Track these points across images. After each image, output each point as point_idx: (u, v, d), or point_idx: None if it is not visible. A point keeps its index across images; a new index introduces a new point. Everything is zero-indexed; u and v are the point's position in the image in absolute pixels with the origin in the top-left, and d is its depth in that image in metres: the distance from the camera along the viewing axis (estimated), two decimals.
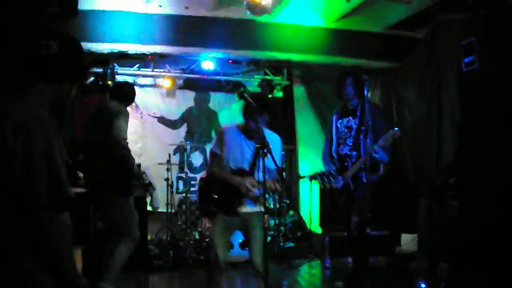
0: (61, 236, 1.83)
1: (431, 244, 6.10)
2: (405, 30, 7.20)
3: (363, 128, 4.58)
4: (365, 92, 4.51)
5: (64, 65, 2.00)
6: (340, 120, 5.23)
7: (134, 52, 6.86)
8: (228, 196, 4.09)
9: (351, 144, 5.07)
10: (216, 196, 4.19)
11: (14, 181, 1.74)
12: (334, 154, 5.26)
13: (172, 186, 6.91)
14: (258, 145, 3.64)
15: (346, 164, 5.07)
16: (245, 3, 5.60)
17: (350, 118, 5.14)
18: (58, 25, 5.59)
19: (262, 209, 3.89)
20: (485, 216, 4.16)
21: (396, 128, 4.63)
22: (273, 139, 4.03)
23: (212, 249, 4.15)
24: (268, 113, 3.98)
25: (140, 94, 8.37)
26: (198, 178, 8.29)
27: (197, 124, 8.59)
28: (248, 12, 5.73)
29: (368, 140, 4.26)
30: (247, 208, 4.08)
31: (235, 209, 4.05)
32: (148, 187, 7.03)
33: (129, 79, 8.22)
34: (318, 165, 7.41)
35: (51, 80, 1.99)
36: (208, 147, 8.51)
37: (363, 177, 4.75)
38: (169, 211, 6.87)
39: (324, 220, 6.79)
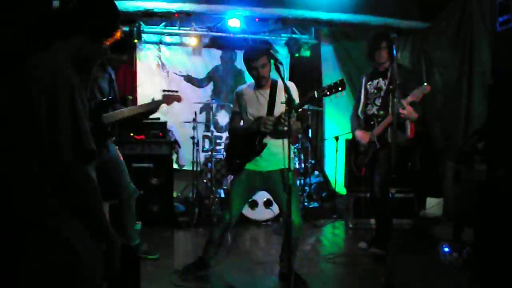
0: (90, 186, 1.86)
1: (456, 209, 6.05)
2: None
3: (391, 87, 4.49)
4: (394, 52, 4.40)
5: (83, 17, 1.99)
6: (370, 82, 5.17)
7: (160, 10, 6.79)
8: (234, 154, 4.36)
9: (379, 104, 5.01)
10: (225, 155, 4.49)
11: (39, 133, 1.77)
12: (360, 115, 5.21)
13: (197, 145, 6.94)
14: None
15: (372, 123, 5.03)
16: None
17: (380, 79, 5.06)
18: None
19: (285, 166, 4.08)
20: None
21: (425, 84, 4.54)
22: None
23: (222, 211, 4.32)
24: (260, 55, 4.05)
25: (167, 53, 8.39)
26: (224, 137, 8.34)
27: (223, 82, 8.58)
28: None
29: (395, 99, 4.18)
30: (267, 167, 4.24)
31: (240, 166, 4.25)
32: (174, 145, 7.09)
33: (155, 38, 8.22)
34: (345, 126, 7.38)
35: (70, 34, 1.98)
36: None
37: (389, 137, 4.72)
38: (195, 169, 6.93)
39: (349, 181, 6.77)
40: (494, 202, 4.21)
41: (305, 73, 8.62)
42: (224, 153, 4.65)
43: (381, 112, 4.96)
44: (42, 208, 1.80)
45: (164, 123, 6.76)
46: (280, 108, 4.13)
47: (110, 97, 4.47)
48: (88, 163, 1.87)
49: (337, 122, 8.38)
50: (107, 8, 2.09)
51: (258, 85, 4.25)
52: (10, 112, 1.81)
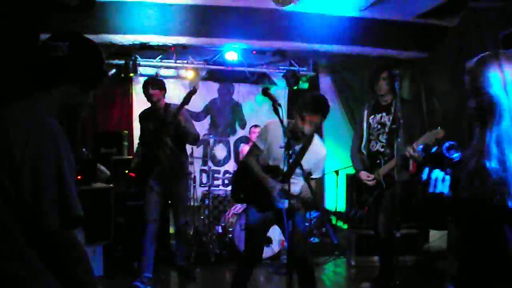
0: (75, 253, 1.75)
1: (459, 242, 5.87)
2: (435, 18, 6.90)
3: (394, 126, 4.37)
4: (396, 87, 4.28)
5: (75, 67, 1.89)
6: (373, 116, 5.01)
7: (156, 44, 6.72)
8: (241, 187, 4.13)
9: (384, 141, 4.86)
10: (250, 188, 4.06)
11: (21, 195, 1.64)
12: (363, 151, 5.04)
13: (194, 180, 6.79)
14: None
15: (378, 161, 4.85)
16: None
17: (384, 114, 4.91)
18: (76, 18, 5.53)
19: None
20: None
21: (439, 128, 4.38)
22: (317, 150, 3.97)
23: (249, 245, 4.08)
24: (321, 115, 3.77)
25: None
26: (222, 171, 8.20)
27: (220, 116, 8.46)
28: (273, 2, 5.53)
29: (399, 138, 4.06)
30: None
31: (271, 205, 3.86)
32: None
33: (151, 71, 8.14)
34: (344, 160, 7.23)
35: (58, 84, 1.88)
36: (232, 140, 8.43)
37: (395, 176, 4.51)
38: (192, 204, 6.77)
39: (350, 217, 6.59)
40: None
41: None
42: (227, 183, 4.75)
43: (387, 151, 4.79)
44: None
45: None
46: (306, 164, 3.76)
47: None
48: (75, 228, 1.75)
49: (337, 155, 8.21)
50: (98, 57, 2.00)
51: (293, 136, 3.76)
52: None
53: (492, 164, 1.78)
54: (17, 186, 1.64)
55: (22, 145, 1.65)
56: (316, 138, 4.02)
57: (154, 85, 5.44)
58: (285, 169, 3.70)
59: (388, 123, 4.83)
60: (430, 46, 7.20)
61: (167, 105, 5.43)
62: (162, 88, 5.49)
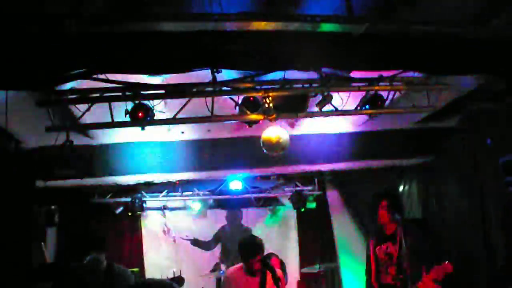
0: None
1: None
2: (434, 121, 6.86)
3: (403, 255, 4.26)
4: (398, 217, 4.22)
5: None
6: (379, 247, 4.88)
7: (160, 181, 6.78)
8: None
9: (394, 273, 4.68)
10: None
11: None
12: (375, 283, 4.85)
13: None
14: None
15: None
16: (261, 142, 5.49)
17: (390, 244, 4.78)
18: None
19: None
20: None
21: (447, 262, 4.25)
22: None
23: None
24: (259, 253, 4.23)
25: (171, 218, 8.29)
26: None
27: (231, 242, 8.33)
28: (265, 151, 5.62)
29: (412, 269, 3.93)
30: None
31: None
32: None
33: (159, 204, 8.18)
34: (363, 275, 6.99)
35: None
36: None
37: None
38: None
39: None
40: None
41: (314, 221, 8.44)
42: None
43: (398, 284, 4.61)
44: None
45: None
46: None
47: None
48: None
49: (354, 271, 7.95)
50: None
51: (249, 272, 4.35)
52: None
53: None
54: None
55: None
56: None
57: None
58: None
59: (396, 254, 4.67)
60: (434, 149, 7.12)
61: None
62: None
